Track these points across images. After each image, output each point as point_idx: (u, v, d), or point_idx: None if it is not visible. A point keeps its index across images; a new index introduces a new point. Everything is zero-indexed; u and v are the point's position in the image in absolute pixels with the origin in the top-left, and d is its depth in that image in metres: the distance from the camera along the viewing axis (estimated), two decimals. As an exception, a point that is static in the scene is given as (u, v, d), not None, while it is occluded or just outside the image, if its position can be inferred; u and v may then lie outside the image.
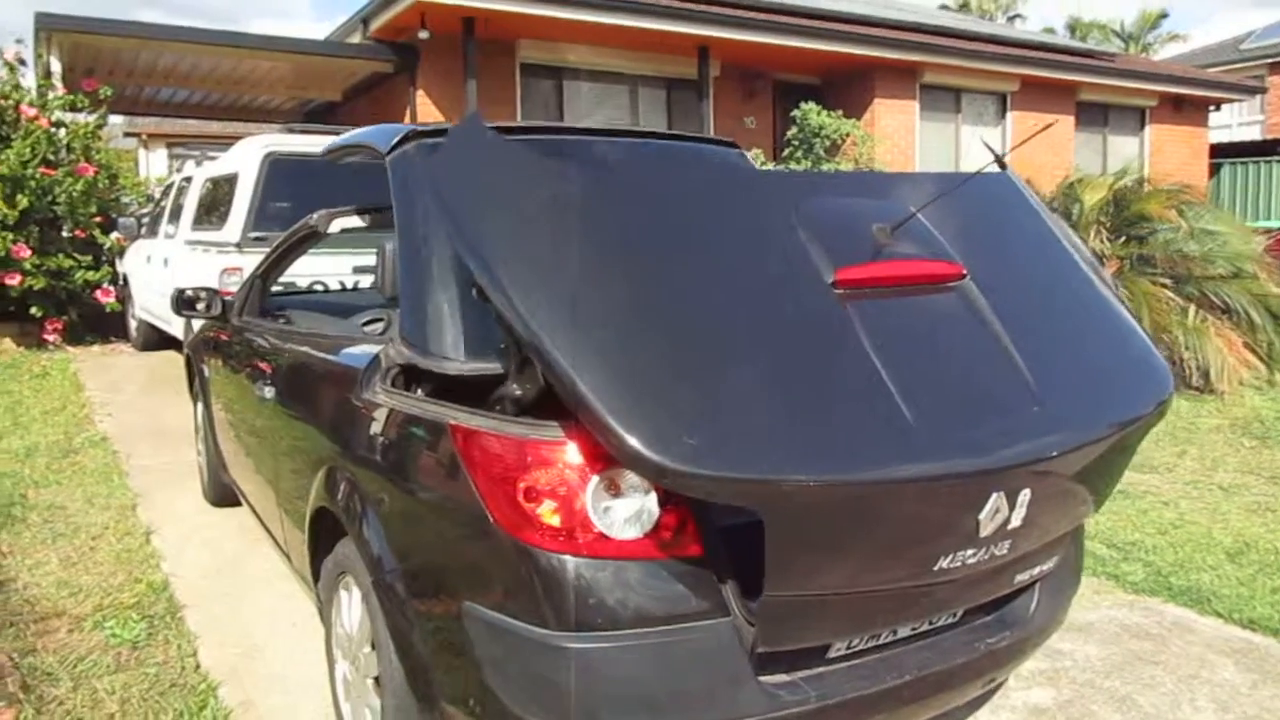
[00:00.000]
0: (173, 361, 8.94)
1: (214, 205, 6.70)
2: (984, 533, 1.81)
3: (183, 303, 3.93)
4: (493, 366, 1.99)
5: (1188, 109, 17.78)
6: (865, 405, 1.74)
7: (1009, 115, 15.42)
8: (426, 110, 11.36)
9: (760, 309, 1.83)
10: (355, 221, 3.52)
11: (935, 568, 1.81)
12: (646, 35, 11.46)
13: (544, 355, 1.62)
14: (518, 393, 1.89)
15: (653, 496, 1.80)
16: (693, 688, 1.80)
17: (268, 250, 5.89)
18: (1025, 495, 1.83)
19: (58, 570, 3.84)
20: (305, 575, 2.93)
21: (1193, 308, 6.79)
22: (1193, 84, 17.56)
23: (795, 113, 12.22)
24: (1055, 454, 1.85)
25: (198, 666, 3.06)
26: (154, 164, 23.86)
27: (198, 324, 6.13)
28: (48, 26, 10.09)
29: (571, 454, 1.78)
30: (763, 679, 1.84)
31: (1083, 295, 2.24)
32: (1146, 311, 6.46)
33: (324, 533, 2.59)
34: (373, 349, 2.50)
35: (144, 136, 24.75)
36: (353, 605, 2.43)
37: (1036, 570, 2.14)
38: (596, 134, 3.09)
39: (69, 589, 3.66)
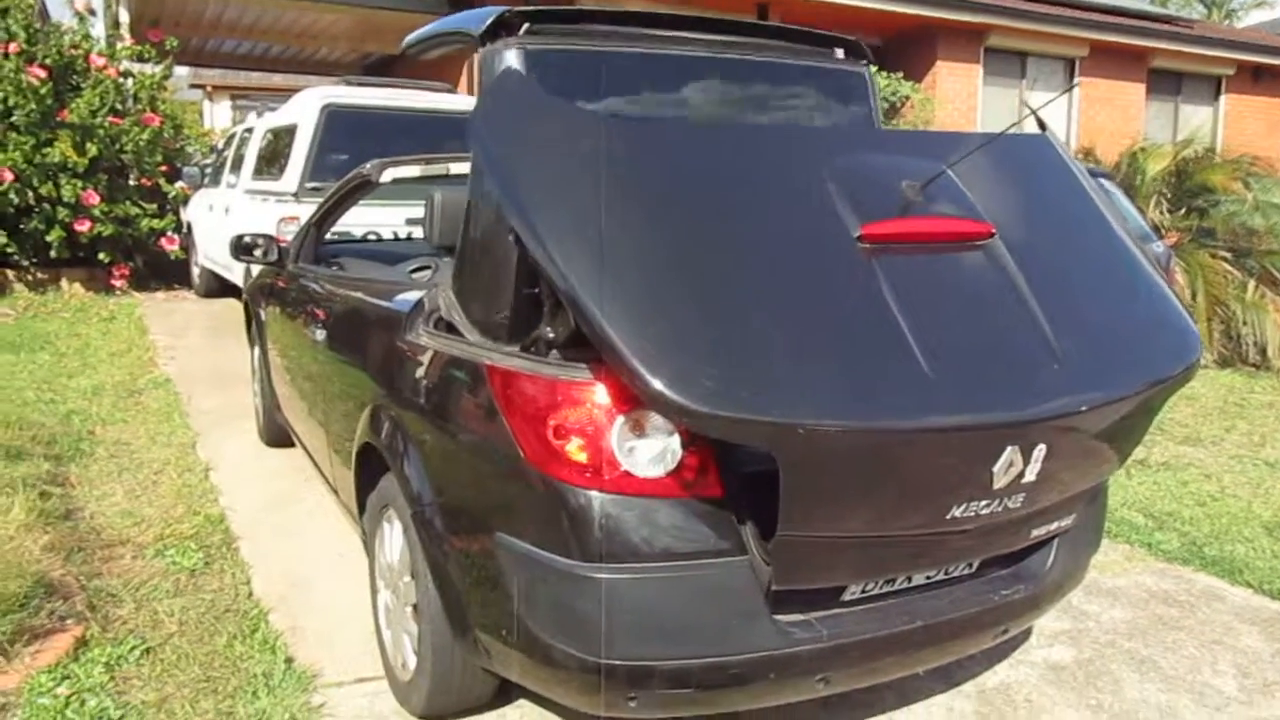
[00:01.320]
0: (233, 308, 9.21)
1: (274, 155, 6.87)
2: (997, 485, 1.86)
3: (240, 249, 4.08)
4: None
5: (1267, 79, 17.12)
6: (883, 356, 1.79)
7: (1076, 81, 15.02)
8: (483, 66, 11.41)
9: (786, 260, 1.89)
10: (408, 171, 3.61)
11: (948, 516, 1.87)
12: (706, -8, 11.35)
13: (573, 298, 1.70)
14: (550, 335, 1.98)
15: (676, 437, 1.87)
16: (709, 621, 1.88)
17: (322, 200, 6.08)
18: (1040, 451, 1.87)
19: (123, 501, 4.05)
20: (352, 509, 3.06)
21: (1252, 282, 6.64)
22: (1274, 52, 16.89)
23: (853, 74, 12.04)
24: (1070, 412, 1.88)
25: (250, 594, 3.23)
26: (218, 115, 24.38)
27: (258, 270, 6.33)
28: (118, -23, 10.33)
29: (599, 394, 1.87)
30: (777, 617, 1.92)
31: (1114, 258, 2.25)
32: (1203, 284, 6.34)
33: (369, 468, 2.72)
34: (418, 294, 2.61)
35: (209, 89, 25.27)
36: (394, 537, 2.55)
37: (1054, 526, 2.18)
38: (678, 24, 2.63)
39: (133, 519, 3.86)
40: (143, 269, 9.88)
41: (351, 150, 6.34)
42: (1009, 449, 1.82)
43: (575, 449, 1.87)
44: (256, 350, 4.80)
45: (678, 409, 1.62)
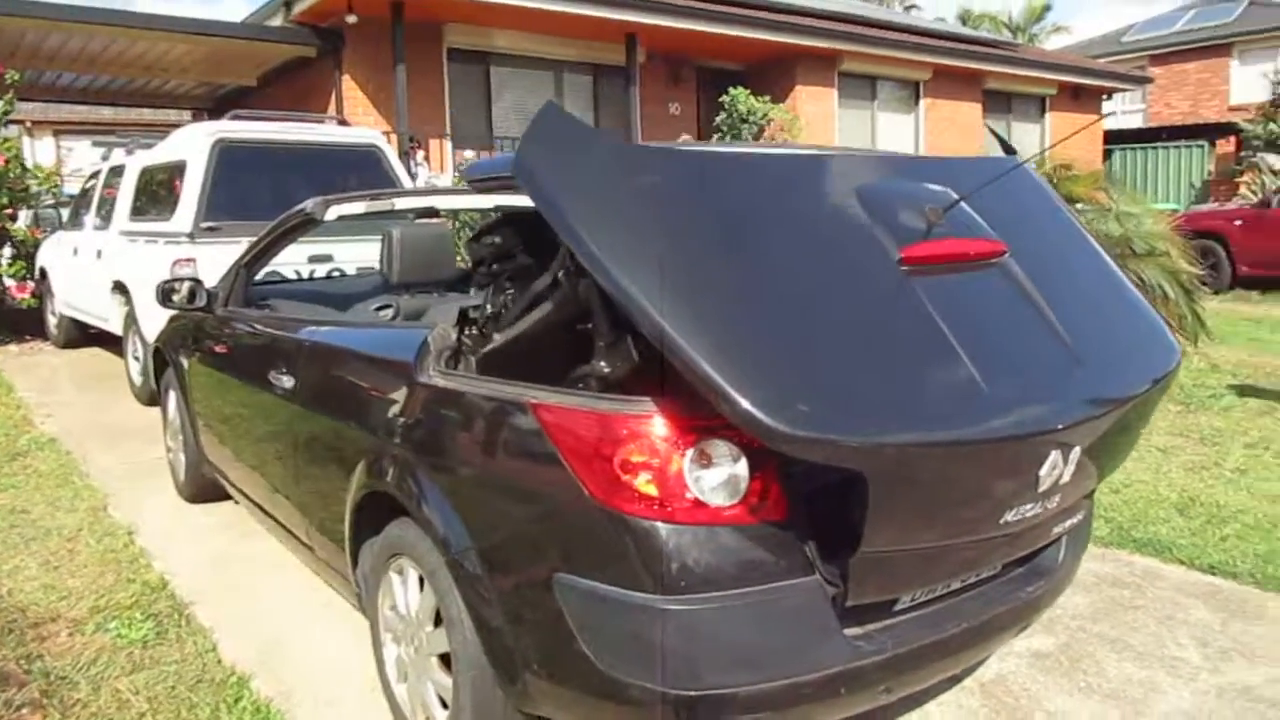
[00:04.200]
0: (100, 358, 8.62)
1: (156, 194, 6.49)
2: (1042, 488, 1.98)
3: (165, 294, 3.86)
4: None
5: (1084, 97, 18.69)
6: (944, 373, 1.88)
7: (921, 103, 15.96)
8: (353, 96, 11.14)
9: (841, 283, 1.96)
10: (353, 208, 3.51)
11: (1001, 521, 1.97)
12: (575, 21, 11.47)
13: (658, 330, 1.70)
14: (606, 370, 1.97)
15: (743, 464, 1.90)
16: (786, 642, 1.91)
17: (220, 240, 5.80)
18: (1075, 452, 2.00)
19: (39, 575, 3.73)
20: (334, 564, 2.94)
21: (1114, 284, 7.19)
22: (1090, 74, 18.48)
23: (724, 98, 12.41)
24: (1103, 412, 2.02)
25: (219, 661, 3.03)
26: (40, 153, 22.68)
27: (151, 319, 5.96)
28: (-55, 8, 9.54)
29: (665, 427, 1.87)
30: (846, 632, 1.97)
31: (1099, 271, 2.43)
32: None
33: (367, 519, 2.62)
34: (415, 333, 2.54)
35: (28, 124, 23.48)
36: (408, 586, 2.46)
37: (1069, 523, 2.32)
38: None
39: (57, 593, 3.56)
40: (-11, 320, 9.13)
41: (246, 186, 6.08)
42: (1054, 453, 1.94)
43: (644, 482, 1.87)
44: (173, 401, 4.52)
45: (775, 434, 1.65)
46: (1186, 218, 10.24)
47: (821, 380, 1.77)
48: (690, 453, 1.87)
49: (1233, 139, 20.61)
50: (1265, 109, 19.35)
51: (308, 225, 3.56)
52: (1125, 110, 27.06)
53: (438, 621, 2.35)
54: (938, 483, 1.85)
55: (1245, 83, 23.18)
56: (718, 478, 1.89)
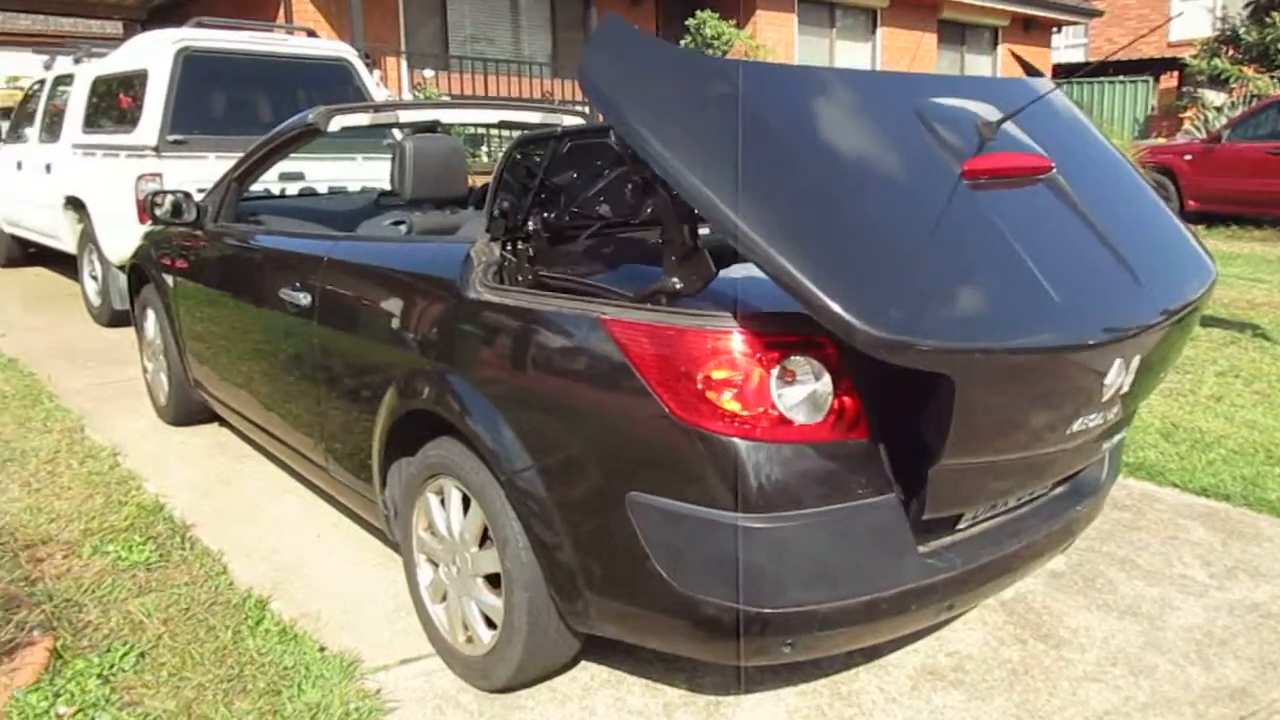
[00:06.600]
0: (46, 278, 8.26)
1: (112, 106, 6.13)
2: (1105, 398, 1.99)
3: (152, 208, 3.67)
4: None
5: (1035, 30, 18.76)
6: (1017, 282, 1.86)
7: (879, 31, 15.85)
8: (303, 9, 10.64)
9: (913, 195, 1.91)
10: (359, 119, 3.36)
11: (1069, 432, 1.98)
12: (536, -65, 11.07)
13: (750, 243, 1.65)
14: (678, 285, 1.91)
15: (826, 380, 1.87)
16: (867, 560, 1.91)
17: (187, 154, 5.53)
18: (1135, 361, 2.02)
19: (23, 497, 3.59)
20: (355, 486, 2.86)
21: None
22: (1041, 5, 18.49)
23: (690, 21, 12.15)
24: (1161, 321, 2.03)
25: (231, 584, 2.95)
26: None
27: (112, 235, 5.69)
28: None
29: (751, 343, 1.83)
30: (919, 549, 1.98)
31: (1135, 189, 2.43)
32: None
33: (400, 440, 2.55)
34: (453, 249, 2.45)
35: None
36: (449, 508, 2.41)
37: (1116, 438, 2.35)
38: None
39: (46, 515, 3.43)
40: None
41: (212, 98, 5.78)
42: (1118, 361, 1.95)
43: (728, 399, 1.83)
44: (152, 320, 4.33)
45: (875, 341, 1.61)
46: (1148, 151, 10.37)
47: (908, 286, 1.74)
48: (775, 370, 1.84)
49: (1175, 74, 20.92)
50: (1209, 44, 19.62)
51: (309, 137, 3.40)
52: (1069, 45, 27.27)
53: (482, 542, 2.31)
54: (1019, 390, 1.84)
55: (1186, 18, 23.47)
56: (801, 394, 1.86)
